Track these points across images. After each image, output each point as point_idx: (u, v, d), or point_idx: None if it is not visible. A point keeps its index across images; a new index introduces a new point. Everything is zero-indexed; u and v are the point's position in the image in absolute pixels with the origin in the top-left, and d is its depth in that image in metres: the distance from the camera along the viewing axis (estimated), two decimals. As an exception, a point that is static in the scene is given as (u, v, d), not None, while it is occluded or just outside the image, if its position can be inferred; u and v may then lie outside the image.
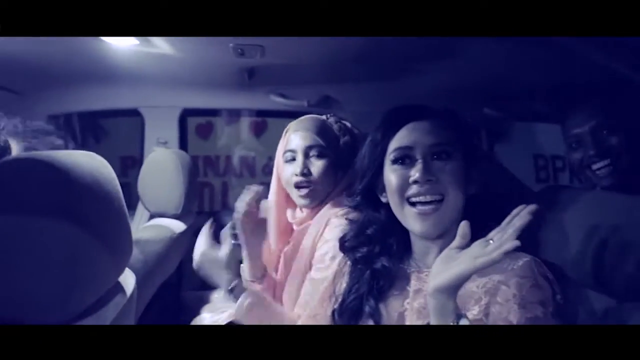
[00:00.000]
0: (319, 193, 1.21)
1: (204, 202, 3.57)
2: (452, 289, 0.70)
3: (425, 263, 0.89)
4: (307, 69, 1.54)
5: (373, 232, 0.93)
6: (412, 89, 1.70)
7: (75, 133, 3.09)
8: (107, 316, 0.69)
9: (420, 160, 0.84)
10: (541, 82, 1.55)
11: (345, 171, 1.23)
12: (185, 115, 2.01)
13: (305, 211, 1.25)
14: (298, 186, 1.20)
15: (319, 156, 1.20)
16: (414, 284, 0.88)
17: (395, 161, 0.87)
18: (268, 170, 3.50)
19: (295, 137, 1.23)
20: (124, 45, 1.32)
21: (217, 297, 1.86)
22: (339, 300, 0.93)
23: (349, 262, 0.97)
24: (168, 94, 1.88)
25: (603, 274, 0.80)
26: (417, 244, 0.90)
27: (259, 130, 3.43)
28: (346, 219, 1.02)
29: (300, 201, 1.22)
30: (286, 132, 1.27)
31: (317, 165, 1.20)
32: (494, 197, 0.91)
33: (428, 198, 0.83)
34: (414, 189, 0.84)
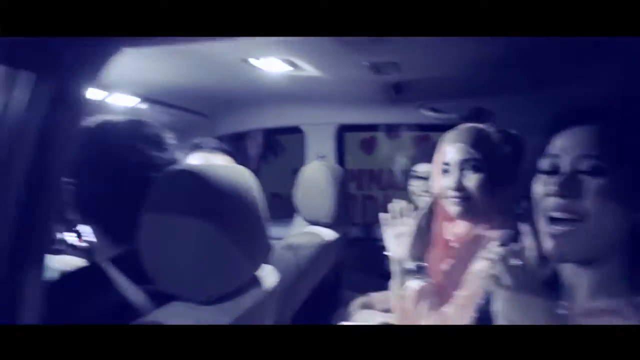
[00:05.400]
0: (474, 207, 1.15)
1: (367, 214, 3.71)
2: None
3: (572, 300, 0.76)
4: (451, 81, 1.51)
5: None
6: (575, 96, 1.52)
7: (257, 149, 3.55)
8: (243, 303, 0.82)
9: (563, 171, 0.74)
10: None
11: (503, 185, 1.16)
12: (342, 131, 2.17)
13: (462, 227, 1.19)
14: (451, 198, 1.17)
15: (475, 170, 1.14)
16: None
17: (542, 171, 0.78)
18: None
19: (450, 150, 1.18)
20: (278, 71, 1.52)
21: (377, 297, 1.91)
22: None
23: None
24: (324, 112, 2.07)
25: None
26: (565, 274, 0.78)
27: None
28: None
29: (453, 209, 1.17)
30: (442, 142, 1.22)
31: (472, 180, 1.14)
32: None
33: (564, 215, 0.72)
34: (549, 202, 0.74)
